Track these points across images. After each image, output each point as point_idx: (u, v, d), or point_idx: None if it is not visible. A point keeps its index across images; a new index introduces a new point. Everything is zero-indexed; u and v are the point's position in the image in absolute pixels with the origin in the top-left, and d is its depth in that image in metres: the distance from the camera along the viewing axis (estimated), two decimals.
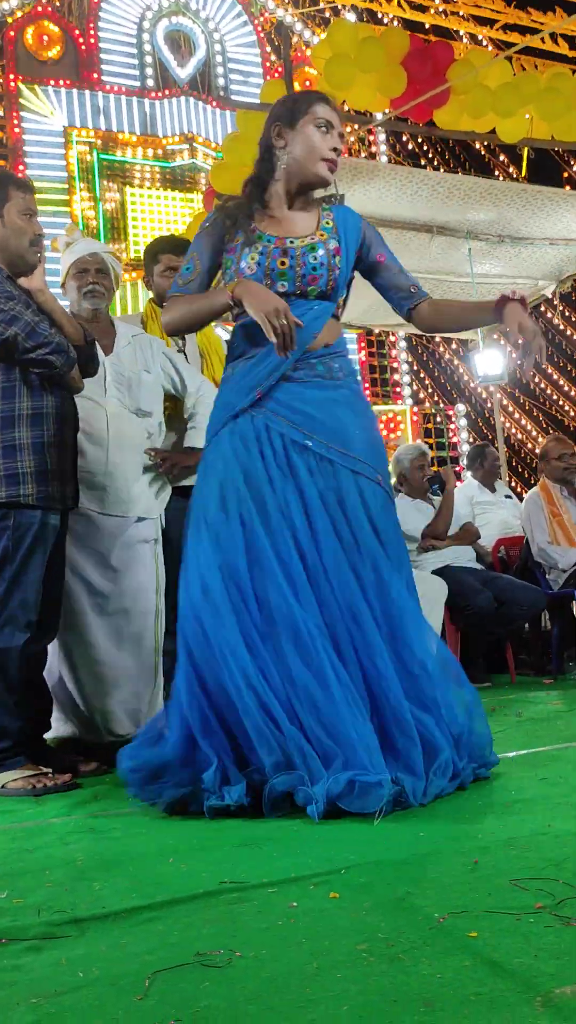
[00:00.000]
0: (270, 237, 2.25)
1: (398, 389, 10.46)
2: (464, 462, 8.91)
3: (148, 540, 3.00)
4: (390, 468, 5.10)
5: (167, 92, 9.94)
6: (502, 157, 11.91)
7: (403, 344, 10.59)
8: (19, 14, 9.46)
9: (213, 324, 3.61)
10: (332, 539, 2.10)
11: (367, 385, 10.39)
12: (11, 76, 9.22)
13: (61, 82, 9.42)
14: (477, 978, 1.02)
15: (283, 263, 2.21)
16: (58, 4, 9.77)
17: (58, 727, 2.83)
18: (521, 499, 5.29)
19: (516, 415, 12.57)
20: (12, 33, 9.38)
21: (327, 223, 2.31)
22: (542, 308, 9.78)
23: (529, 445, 12.27)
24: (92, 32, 9.74)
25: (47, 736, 2.80)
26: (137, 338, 3.13)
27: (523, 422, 12.55)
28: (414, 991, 1.00)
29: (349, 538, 2.11)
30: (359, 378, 2.28)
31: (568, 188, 6.85)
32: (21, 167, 9.00)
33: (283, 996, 1.02)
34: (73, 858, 1.70)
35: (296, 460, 2.14)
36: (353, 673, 2.01)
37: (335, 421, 2.18)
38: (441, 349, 11.98)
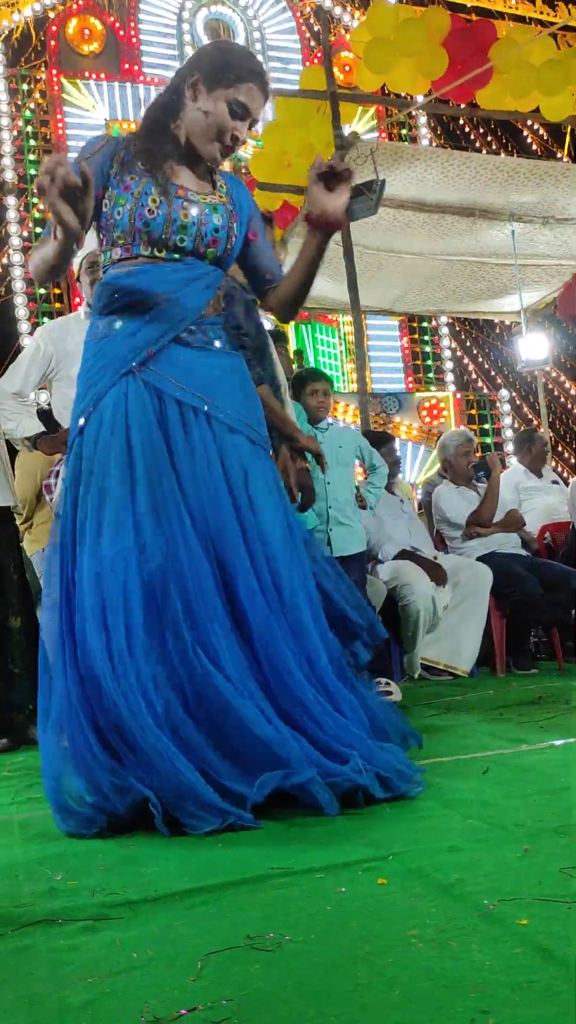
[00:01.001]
0: (174, 184, 2.05)
1: (441, 375, 10.37)
2: (509, 448, 8.81)
3: None
4: (435, 454, 5.07)
5: None
6: (545, 136, 11.70)
7: (445, 330, 10.49)
8: (60, 9, 9.52)
9: None
10: (231, 512, 1.98)
11: (410, 372, 10.32)
12: (54, 72, 9.28)
13: (102, 75, 9.47)
14: (528, 965, 1.02)
15: (186, 216, 2.03)
16: None
17: None
18: (568, 484, 5.22)
19: (562, 399, 12.39)
20: (54, 28, 9.45)
21: (221, 185, 2.15)
22: None
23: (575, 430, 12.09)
24: (132, 24, 9.77)
25: None
26: None
27: (569, 406, 12.36)
28: (465, 977, 1.00)
29: (230, 500, 2.00)
30: (236, 349, 2.22)
31: None
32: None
33: (333, 980, 1.03)
34: (124, 843, 1.73)
35: (192, 425, 2.01)
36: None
37: (230, 388, 2.07)
38: (484, 334, 11.84)
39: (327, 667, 1.99)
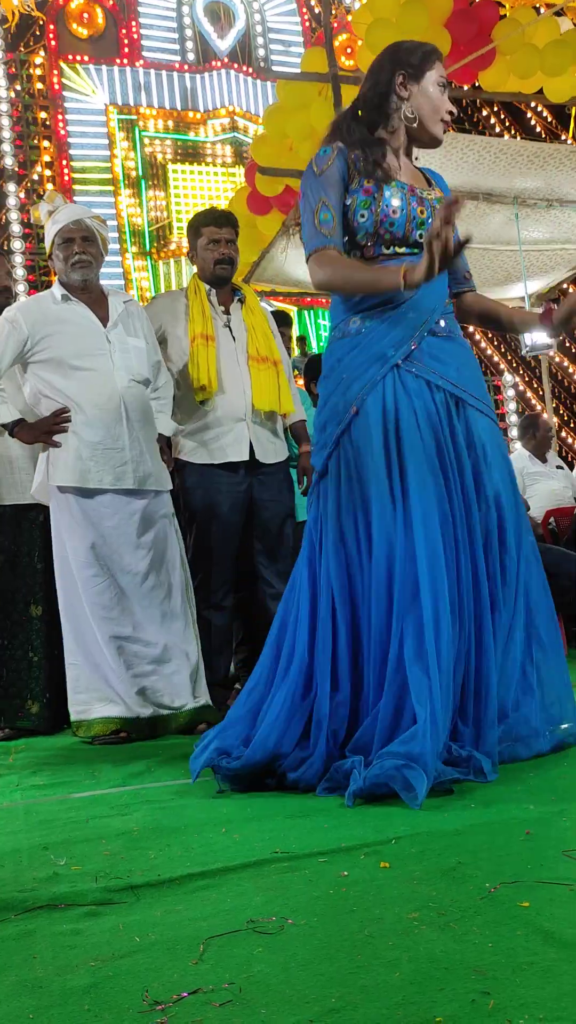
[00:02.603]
0: (401, 183, 2.16)
1: None
2: (514, 433, 8.79)
3: (168, 515, 3.01)
4: None
5: (207, 65, 9.87)
6: (550, 118, 11.61)
7: None
8: None
9: (259, 299, 3.58)
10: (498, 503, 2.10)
11: None
12: (54, 57, 9.22)
13: (102, 60, 9.41)
14: (529, 947, 1.02)
15: (421, 211, 2.13)
16: None
17: (103, 708, 2.86)
18: (572, 469, 5.21)
19: (566, 384, 12.35)
20: (53, 12, 9.39)
21: (429, 180, 2.26)
22: None
23: None
24: (132, 9, 9.70)
25: (92, 717, 2.84)
26: (128, 305, 3.09)
27: (574, 391, 12.32)
28: (466, 959, 1.01)
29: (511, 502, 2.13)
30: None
31: None
32: (64, 146, 9.03)
33: (334, 962, 1.04)
34: (128, 828, 1.73)
35: (454, 414, 2.10)
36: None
37: (473, 374, 2.17)
38: None
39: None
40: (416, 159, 2.30)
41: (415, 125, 2.19)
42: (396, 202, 2.11)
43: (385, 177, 2.13)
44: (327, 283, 2.15)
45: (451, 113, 2.21)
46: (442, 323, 2.15)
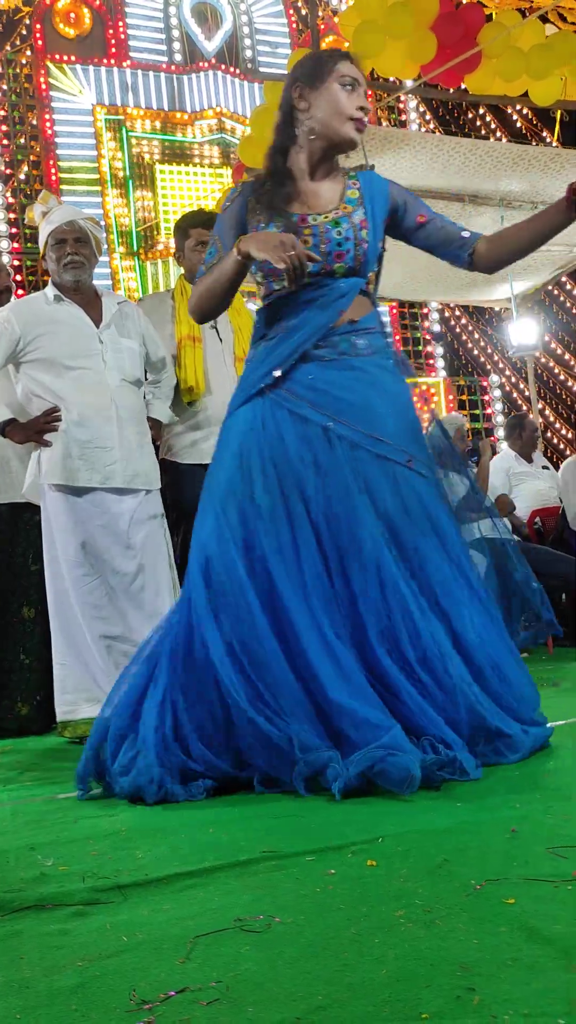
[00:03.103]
0: (292, 214, 2.14)
1: (431, 361, 10.37)
2: (499, 433, 8.82)
3: (157, 515, 3.02)
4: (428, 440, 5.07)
5: (195, 66, 9.86)
6: (535, 121, 11.67)
7: (436, 316, 10.48)
8: None
9: (244, 300, 3.60)
10: (357, 526, 2.01)
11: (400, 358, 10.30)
12: (40, 55, 9.20)
13: (89, 60, 9.39)
14: (514, 944, 1.03)
15: (305, 241, 2.10)
16: None
17: (90, 709, 2.85)
18: (558, 469, 5.24)
19: (551, 384, 12.40)
20: (40, 11, 9.36)
21: (352, 194, 2.19)
22: None
23: (565, 415, 12.11)
24: (119, 9, 9.68)
25: (79, 717, 2.83)
26: (122, 306, 3.11)
27: (559, 392, 12.37)
28: (451, 956, 1.01)
29: (374, 524, 2.01)
30: (393, 355, 2.23)
31: None
32: (51, 146, 9.00)
33: (321, 960, 1.04)
34: (116, 828, 1.73)
35: (316, 442, 2.05)
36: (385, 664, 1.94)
37: (359, 400, 2.08)
38: (475, 320, 11.84)
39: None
40: (372, 167, 2.32)
41: (323, 135, 2.13)
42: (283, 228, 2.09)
43: (271, 213, 2.13)
44: (195, 307, 2.22)
45: (363, 109, 2.14)
46: (321, 349, 2.09)
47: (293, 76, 2.17)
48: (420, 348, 10.42)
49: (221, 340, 3.26)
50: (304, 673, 1.90)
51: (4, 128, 9.03)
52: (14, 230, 8.79)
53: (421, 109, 10.77)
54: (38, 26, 9.28)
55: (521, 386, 10.98)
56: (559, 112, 6.57)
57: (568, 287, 11.58)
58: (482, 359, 11.51)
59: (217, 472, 2.13)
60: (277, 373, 2.09)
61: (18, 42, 9.25)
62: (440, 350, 10.32)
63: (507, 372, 11.31)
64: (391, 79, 6.65)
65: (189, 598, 2.04)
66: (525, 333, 6.98)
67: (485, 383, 9.81)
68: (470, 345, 11.59)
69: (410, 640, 1.95)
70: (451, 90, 6.38)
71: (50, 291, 3.02)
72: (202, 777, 1.91)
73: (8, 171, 8.94)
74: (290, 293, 2.10)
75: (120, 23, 9.67)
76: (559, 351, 11.72)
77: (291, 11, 10.49)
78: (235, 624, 1.95)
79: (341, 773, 1.78)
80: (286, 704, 1.88)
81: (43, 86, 9.18)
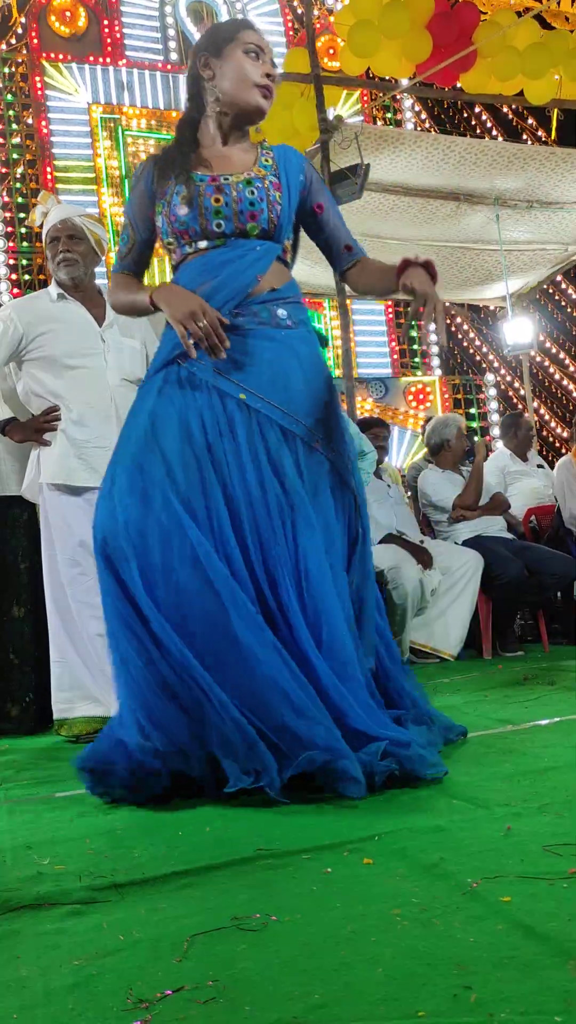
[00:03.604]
0: (202, 176, 2.08)
1: (427, 360, 10.37)
2: (495, 432, 8.83)
3: None
4: (426, 438, 5.09)
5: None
6: (530, 120, 11.67)
7: None
8: None
9: None
10: (261, 500, 1.94)
11: (396, 357, 10.31)
12: (36, 55, 9.18)
13: (84, 59, 9.37)
14: (510, 942, 1.03)
15: (217, 200, 2.04)
16: None
17: (86, 707, 2.85)
18: (553, 468, 5.25)
19: (546, 383, 12.41)
20: (35, 10, 9.34)
21: (266, 160, 2.14)
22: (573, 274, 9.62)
23: (560, 413, 12.12)
24: (114, 7, 9.66)
25: (75, 716, 2.83)
26: None
27: (554, 390, 12.39)
28: (448, 954, 1.02)
29: (276, 502, 1.94)
30: (313, 327, 2.17)
31: None
32: (46, 145, 8.98)
33: (318, 959, 1.04)
34: (112, 826, 1.73)
35: (233, 414, 1.97)
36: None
37: (275, 373, 2.01)
38: (470, 318, 11.84)
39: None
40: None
41: (229, 103, 2.10)
42: (183, 200, 2.05)
43: (180, 178, 2.08)
44: (114, 306, 2.22)
45: (270, 76, 2.10)
46: (242, 317, 2.02)
47: (197, 47, 2.14)
48: (416, 347, 10.43)
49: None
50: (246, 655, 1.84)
51: (0, 127, 9.01)
52: (10, 229, 8.77)
53: (416, 108, 10.77)
54: (33, 25, 9.27)
55: (516, 385, 10.99)
56: (554, 111, 6.57)
57: (563, 286, 11.58)
58: (477, 358, 11.51)
59: (130, 431, 2.02)
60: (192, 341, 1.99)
61: (13, 41, 9.23)
62: (436, 349, 10.32)
63: (502, 371, 11.31)
64: (386, 78, 6.65)
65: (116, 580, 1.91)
66: (520, 332, 6.98)
67: (480, 382, 9.82)
68: (465, 344, 11.59)
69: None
70: (446, 89, 6.38)
71: (53, 289, 3.02)
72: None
73: (4, 170, 8.93)
74: (203, 254, 2.06)
75: (115, 22, 9.66)
76: (554, 350, 11.73)
77: (287, 10, 10.48)
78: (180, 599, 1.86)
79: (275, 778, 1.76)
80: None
81: (38, 85, 9.16)
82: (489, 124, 11.48)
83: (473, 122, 11.48)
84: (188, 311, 1.93)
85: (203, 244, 2.07)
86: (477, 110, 11.24)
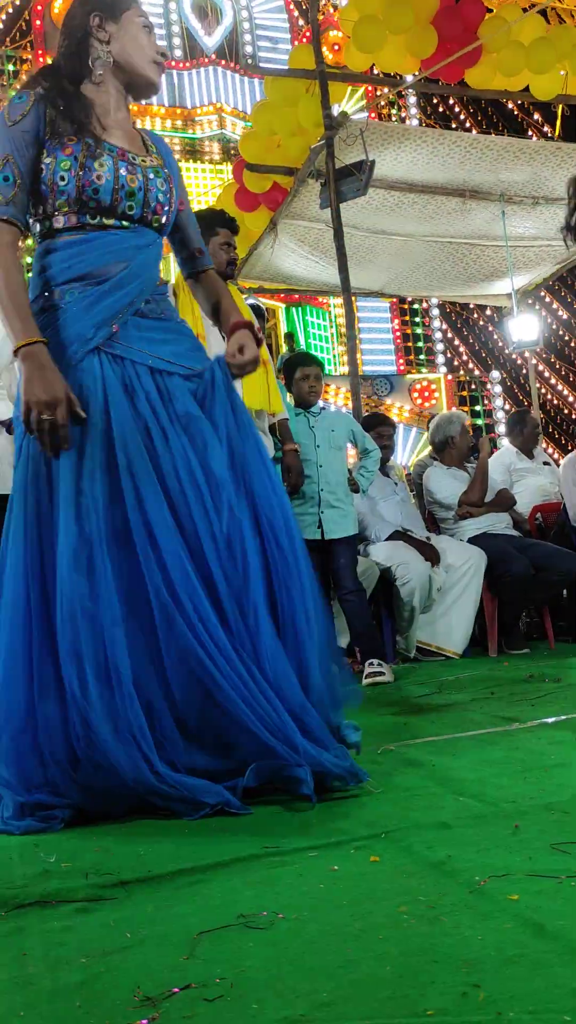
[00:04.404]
0: (111, 146, 1.95)
1: (432, 357, 10.36)
2: (500, 429, 8.82)
3: None
4: (430, 435, 5.09)
5: (195, 62, 9.84)
6: (536, 116, 11.63)
7: (436, 312, 10.47)
8: None
9: (244, 298, 3.62)
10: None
11: (401, 354, 10.30)
12: (39, 52, 9.18)
13: None
14: (518, 940, 1.03)
15: (132, 180, 1.94)
16: None
17: None
18: (559, 465, 5.24)
19: (552, 380, 12.39)
20: (39, 8, 9.34)
21: (151, 147, 2.06)
22: None
23: (566, 411, 12.10)
24: None
25: None
26: None
27: (559, 387, 12.36)
28: (455, 952, 1.01)
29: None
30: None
31: None
32: None
33: (325, 956, 1.04)
34: (118, 825, 1.73)
35: (171, 390, 1.92)
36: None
37: (188, 352, 2.00)
38: (475, 316, 11.82)
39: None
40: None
41: (124, 70, 1.99)
42: (101, 167, 1.91)
43: (90, 137, 1.92)
44: None
45: (163, 55, 2.03)
46: (151, 304, 1.98)
47: (91, 6, 1.99)
48: (421, 345, 10.42)
49: (224, 337, 3.27)
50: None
51: None
52: None
53: (422, 104, 10.75)
54: (38, 23, 9.26)
55: (522, 381, 10.97)
56: (560, 106, 6.55)
57: (569, 282, 11.56)
58: (483, 355, 11.49)
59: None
60: (115, 328, 1.91)
61: (19, 38, 9.23)
62: (441, 346, 10.31)
63: (508, 368, 11.29)
64: (392, 74, 6.64)
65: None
66: (525, 329, 6.96)
67: (486, 379, 9.80)
68: (471, 341, 11.57)
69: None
70: (452, 85, 6.37)
71: None
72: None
73: None
74: (107, 231, 1.94)
75: None
76: (559, 346, 11.71)
77: (291, 6, 10.46)
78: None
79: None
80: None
81: None
82: (495, 119, 11.46)
83: (479, 117, 11.46)
84: (44, 400, 1.78)
85: (108, 221, 1.94)
86: (483, 105, 11.21)
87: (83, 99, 1.97)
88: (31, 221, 1.98)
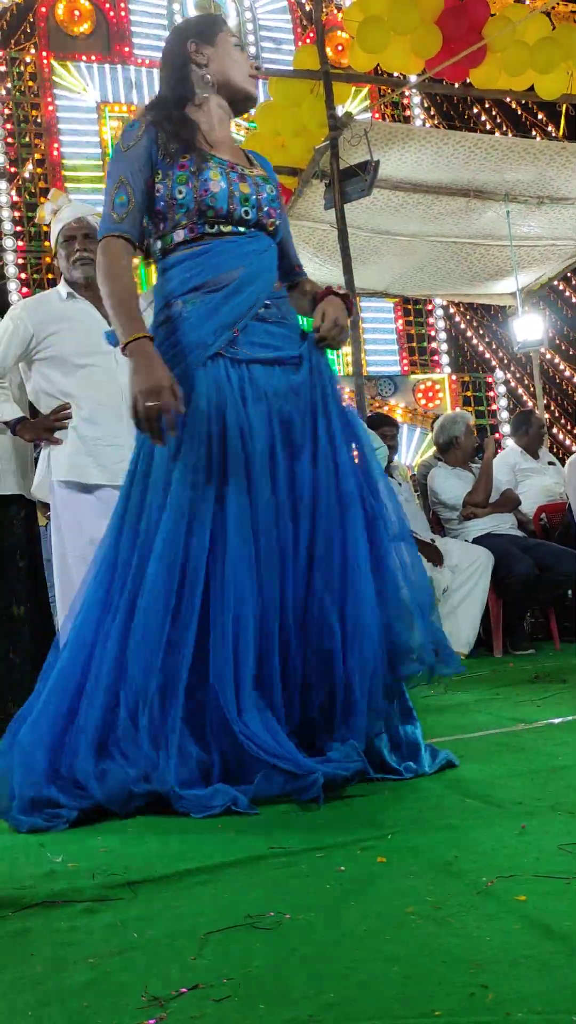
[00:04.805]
0: (220, 159, 2.05)
1: (436, 357, 10.35)
2: (504, 429, 8.81)
3: None
4: (435, 436, 5.09)
5: None
6: (540, 115, 11.62)
7: (440, 312, 10.46)
8: None
9: None
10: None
11: (405, 354, 10.29)
12: (44, 53, 9.19)
13: (93, 57, 9.38)
14: (526, 941, 1.03)
15: (244, 187, 2.04)
16: None
17: None
18: (564, 464, 5.22)
19: (557, 380, 12.37)
20: (43, 9, 9.35)
21: (253, 160, 2.18)
22: None
23: (571, 410, 12.08)
24: (123, 5, 9.67)
25: None
26: None
27: (564, 387, 12.34)
28: (463, 953, 1.01)
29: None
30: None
31: None
32: (56, 145, 9.00)
33: (332, 957, 1.04)
34: (125, 825, 1.73)
35: (286, 387, 1.99)
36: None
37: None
38: (480, 316, 11.81)
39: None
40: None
41: (224, 88, 2.11)
42: (215, 176, 2.00)
43: (200, 152, 2.03)
44: (98, 278, 2.00)
45: (257, 68, 2.15)
46: (271, 309, 2.03)
47: (182, 33, 2.15)
48: (426, 344, 10.41)
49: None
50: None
51: (9, 126, 9.03)
52: (19, 228, 8.79)
53: (426, 104, 10.74)
54: (42, 24, 9.27)
55: (526, 382, 10.95)
56: (564, 106, 6.54)
57: (574, 282, 11.54)
58: (487, 355, 11.48)
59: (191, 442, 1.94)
60: (236, 333, 1.97)
61: (22, 39, 9.24)
62: (445, 346, 10.30)
63: (512, 368, 11.28)
64: (396, 74, 6.63)
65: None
66: (530, 329, 6.95)
67: (490, 379, 9.79)
68: (475, 341, 11.56)
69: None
70: (456, 85, 6.36)
71: (63, 288, 3.03)
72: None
73: (13, 169, 8.95)
74: (226, 238, 2.01)
75: (124, 20, 9.66)
76: (564, 347, 11.69)
77: (295, 7, 10.46)
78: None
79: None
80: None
81: (47, 84, 9.17)
82: (499, 119, 11.45)
83: (483, 117, 11.45)
84: (152, 384, 1.86)
85: (226, 229, 2.02)
86: (487, 105, 11.19)
87: (189, 120, 2.08)
88: (152, 241, 2.06)
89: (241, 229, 2.03)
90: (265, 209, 2.06)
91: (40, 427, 2.93)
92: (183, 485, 1.91)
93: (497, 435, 8.40)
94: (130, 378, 1.89)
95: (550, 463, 5.46)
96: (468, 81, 6.08)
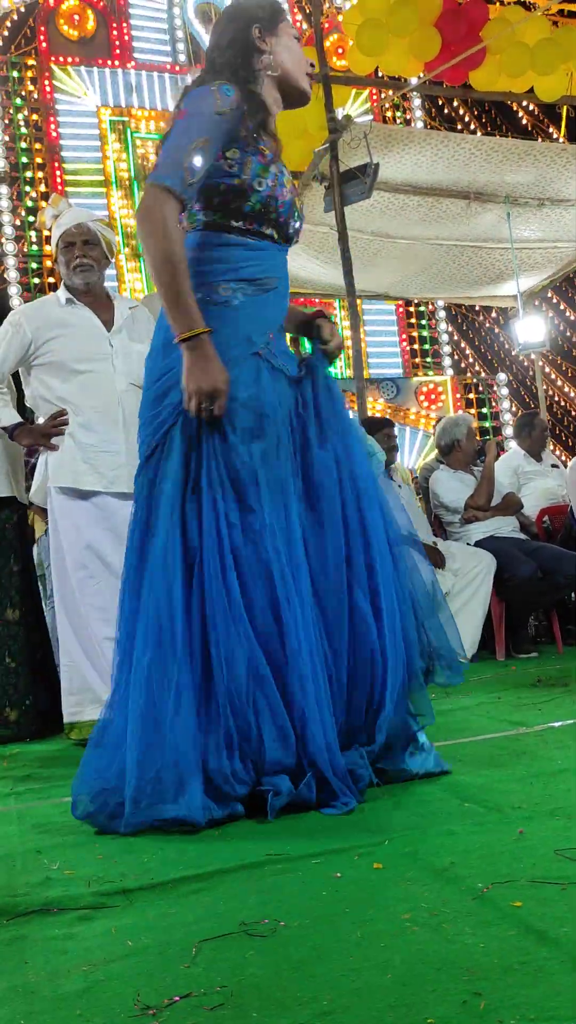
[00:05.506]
0: (280, 164, 1.98)
1: (439, 360, 10.34)
2: (507, 432, 8.80)
3: None
4: (437, 439, 5.08)
5: (199, 66, 9.84)
6: (541, 117, 11.61)
7: (442, 314, 10.45)
8: None
9: None
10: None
11: (407, 357, 10.29)
12: (44, 58, 9.21)
13: (93, 62, 9.39)
14: (522, 947, 1.02)
15: (297, 202, 2.00)
16: None
17: (96, 710, 2.85)
18: (567, 467, 5.21)
19: (559, 382, 12.36)
20: (44, 14, 9.37)
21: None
22: None
23: (573, 413, 12.06)
24: (123, 10, 9.69)
25: (85, 719, 2.83)
26: (134, 311, 3.11)
27: (566, 389, 12.33)
28: (458, 960, 1.01)
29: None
30: None
31: None
32: (56, 149, 9.01)
33: (327, 964, 1.03)
34: (121, 832, 1.72)
35: (310, 397, 2.00)
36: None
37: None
38: (481, 318, 11.81)
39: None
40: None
41: (281, 80, 2.02)
42: (287, 183, 1.96)
43: (273, 148, 1.96)
44: (145, 237, 1.82)
45: (312, 65, 2.07)
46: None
47: (248, 15, 2.01)
48: (428, 347, 10.40)
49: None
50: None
51: (9, 131, 9.05)
52: (19, 232, 8.80)
53: (426, 106, 10.75)
54: (42, 29, 9.30)
55: (529, 383, 10.95)
56: (564, 108, 6.54)
57: None
58: (489, 357, 11.48)
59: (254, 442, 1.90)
60: (271, 337, 1.96)
61: (23, 44, 9.26)
62: (447, 349, 10.30)
63: (514, 370, 11.27)
64: (395, 77, 6.63)
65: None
66: (531, 331, 6.94)
67: (492, 382, 9.78)
68: (477, 343, 11.56)
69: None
70: (456, 87, 6.36)
71: (62, 294, 3.03)
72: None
73: (14, 174, 8.96)
74: (278, 245, 1.99)
75: (124, 24, 9.68)
76: (566, 347, 11.68)
77: (295, 9, 10.48)
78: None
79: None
80: None
81: (47, 88, 9.19)
82: (499, 121, 11.45)
83: (484, 119, 11.45)
84: (211, 389, 1.81)
85: (276, 237, 1.97)
86: (487, 107, 11.19)
87: (264, 107, 1.99)
88: (199, 207, 1.93)
89: (281, 241, 1.99)
90: (296, 228, 2.02)
91: (38, 433, 2.94)
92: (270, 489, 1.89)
93: (500, 437, 8.39)
94: (186, 373, 1.82)
95: (553, 465, 5.45)
96: (468, 83, 6.08)
